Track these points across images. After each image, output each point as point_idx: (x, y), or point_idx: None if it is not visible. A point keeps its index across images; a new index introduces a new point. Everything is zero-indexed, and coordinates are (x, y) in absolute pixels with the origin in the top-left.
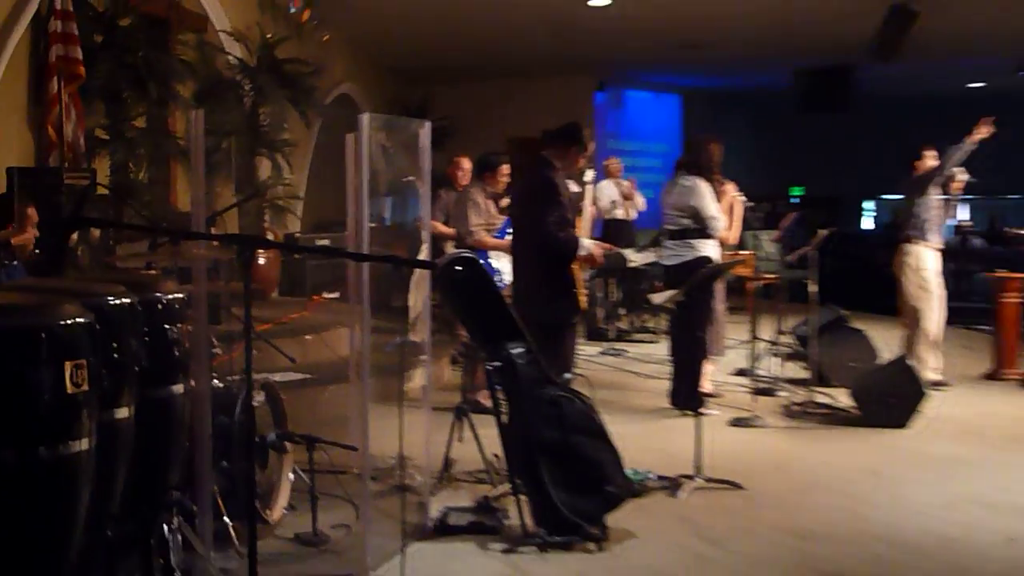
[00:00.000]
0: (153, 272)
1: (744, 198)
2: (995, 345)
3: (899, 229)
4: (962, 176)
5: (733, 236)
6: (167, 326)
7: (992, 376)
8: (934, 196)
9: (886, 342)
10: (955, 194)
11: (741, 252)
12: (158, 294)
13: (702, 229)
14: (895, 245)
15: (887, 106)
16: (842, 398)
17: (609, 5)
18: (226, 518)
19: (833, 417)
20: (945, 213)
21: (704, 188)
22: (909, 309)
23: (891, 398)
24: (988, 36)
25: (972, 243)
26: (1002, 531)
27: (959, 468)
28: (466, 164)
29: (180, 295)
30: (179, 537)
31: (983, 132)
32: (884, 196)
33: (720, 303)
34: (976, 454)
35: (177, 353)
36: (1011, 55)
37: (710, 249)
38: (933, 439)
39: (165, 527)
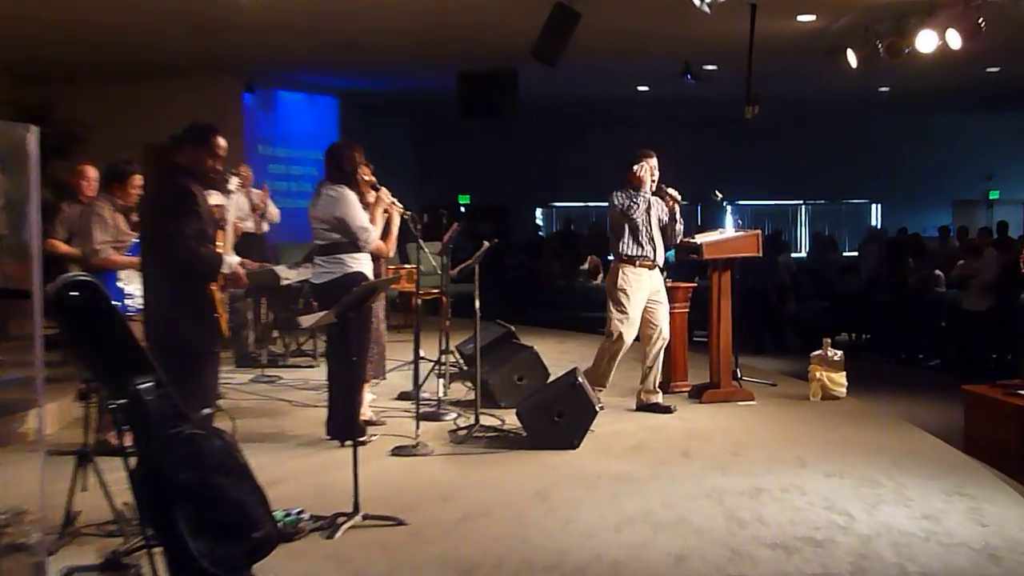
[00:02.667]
0: None
1: (402, 207)
2: (665, 357)
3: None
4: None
5: (390, 248)
6: None
7: (661, 389)
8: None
9: (555, 358)
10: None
11: (403, 266)
12: None
13: (352, 242)
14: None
15: (555, 111)
16: (511, 419)
17: None
18: None
19: (502, 440)
20: (664, 230)
21: (350, 197)
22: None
23: (560, 417)
24: (652, 38)
25: None
26: (669, 550)
27: (628, 486)
28: (91, 173)
29: None
30: None
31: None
32: (555, 204)
33: (381, 322)
34: (644, 470)
35: None
36: (675, 58)
37: (363, 264)
38: (603, 457)
39: None
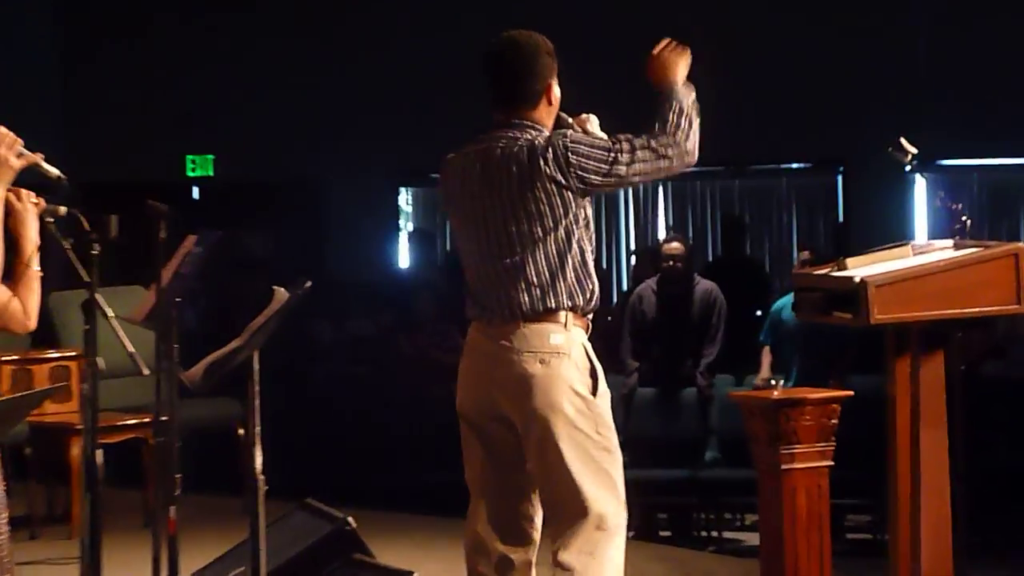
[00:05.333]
0: None
1: (41, 200)
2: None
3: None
4: None
5: (30, 309)
6: None
7: None
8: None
9: None
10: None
11: (48, 354)
12: None
13: None
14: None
15: None
16: None
17: None
18: None
19: None
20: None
21: None
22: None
23: None
24: None
25: None
26: None
27: None
28: None
29: None
30: None
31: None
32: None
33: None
34: None
35: None
36: None
37: None
38: None
39: None
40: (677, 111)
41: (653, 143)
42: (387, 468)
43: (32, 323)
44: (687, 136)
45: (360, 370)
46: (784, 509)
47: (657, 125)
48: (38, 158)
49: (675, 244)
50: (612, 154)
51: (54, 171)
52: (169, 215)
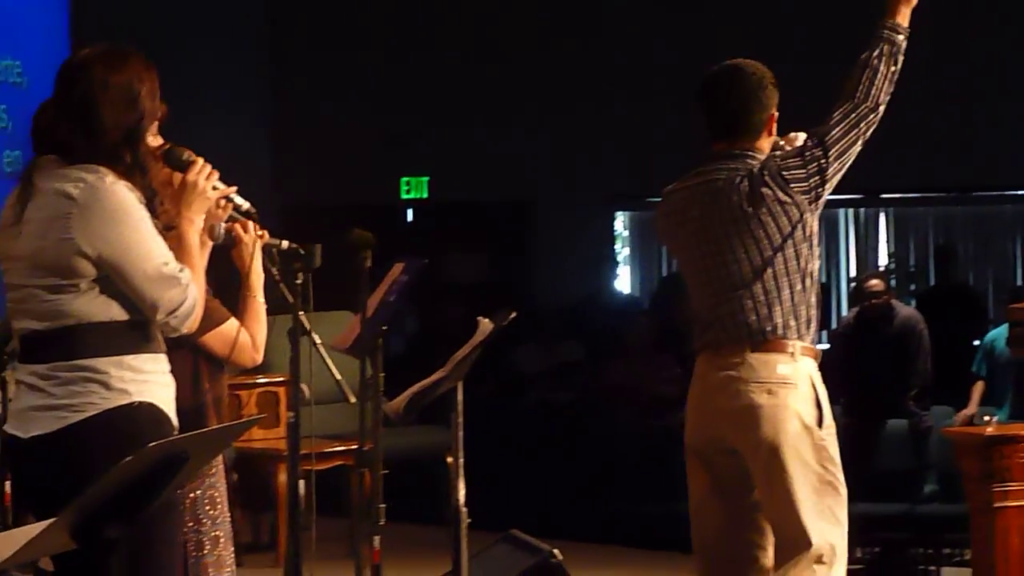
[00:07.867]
0: None
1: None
2: None
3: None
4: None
5: (257, 334)
6: None
7: None
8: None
9: None
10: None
11: (259, 376)
12: None
13: (132, 323)
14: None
15: None
16: None
17: None
18: None
19: None
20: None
21: (124, 199)
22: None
23: None
24: None
25: None
26: None
27: None
28: None
29: None
30: None
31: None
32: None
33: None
34: None
35: None
36: None
37: (157, 382)
38: None
39: None
40: (874, 65)
41: (840, 118)
42: (595, 499)
43: (260, 356)
44: (869, 92)
45: (568, 397)
46: (996, 548)
47: (847, 92)
48: (231, 191)
49: (875, 281)
50: (808, 154)
51: (245, 203)
52: (374, 244)
